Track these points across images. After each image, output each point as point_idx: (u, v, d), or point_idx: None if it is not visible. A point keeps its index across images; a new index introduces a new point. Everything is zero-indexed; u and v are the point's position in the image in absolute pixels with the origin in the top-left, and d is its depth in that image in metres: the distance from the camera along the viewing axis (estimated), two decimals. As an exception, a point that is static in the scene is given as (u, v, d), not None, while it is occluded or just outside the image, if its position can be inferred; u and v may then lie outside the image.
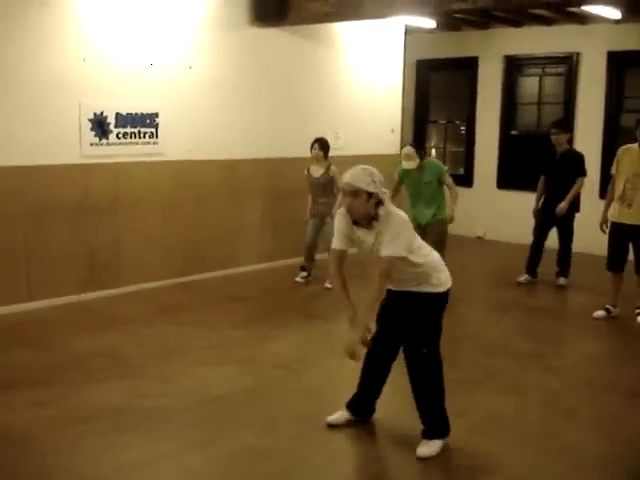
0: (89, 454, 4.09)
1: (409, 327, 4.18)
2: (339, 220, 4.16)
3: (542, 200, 8.28)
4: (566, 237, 8.18)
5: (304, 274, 8.21)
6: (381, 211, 3.98)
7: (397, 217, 3.99)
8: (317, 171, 7.97)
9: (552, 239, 8.30)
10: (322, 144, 7.96)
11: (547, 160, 8.27)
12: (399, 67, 10.65)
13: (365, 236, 4.04)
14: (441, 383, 4.24)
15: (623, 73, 9.97)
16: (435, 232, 7.18)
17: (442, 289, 4.18)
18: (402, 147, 7.55)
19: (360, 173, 3.97)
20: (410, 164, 7.11)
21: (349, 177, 3.97)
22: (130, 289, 7.59)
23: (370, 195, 3.91)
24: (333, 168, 7.89)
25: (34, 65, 6.70)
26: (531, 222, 8.51)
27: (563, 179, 8.03)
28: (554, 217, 8.10)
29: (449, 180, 7.33)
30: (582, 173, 8.03)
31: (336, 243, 4.18)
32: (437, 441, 4.16)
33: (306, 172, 8.04)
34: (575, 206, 8.11)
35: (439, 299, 4.19)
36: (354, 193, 3.91)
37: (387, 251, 3.92)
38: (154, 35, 7.57)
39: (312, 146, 7.97)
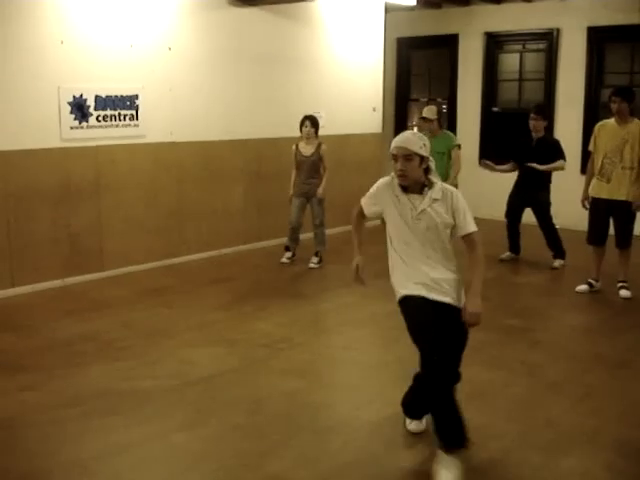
0: (76, 438, 4.09)
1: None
2: (382, 184, 3.98)
3: (513, 184, 8.28)
4: (544, 217, 8.15)
5: (289, 254, 8.17)
6: (433, 178, 3.89)
7: (454, 190, 3.92)
8: (307, 149, 7.87)
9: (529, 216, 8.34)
10: (313, 121, 7.86)
11: (521, 147, 8.19)
12: (379, 45, 10.62)
13: (416, 201, 3.85)
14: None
15: (603, 48, 10.00)
16: None
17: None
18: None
19: (412, 137, 3.88)
20: (429, 113, 7.62)
21: (401, 141, 3.84)
22: (114, 273, 7.56)
23: (422, 159, 3.82)
24: (324, 147, 7.84)
25: (12, 48, 6.62)
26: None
27: (537, 164, 7.97)
28: (526, 201, 8.15)
29: (457, 153, 7.69)
30: (562, 157, 7.94)
31: (366, 204, 4.05)
32: (456, 462, 3.76)
33: (294, 149, 7.94)
34: (547, 189, 8.08)
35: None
36: (407, 157, 3.79)
37: (472, 227, 3.83)
38: (133, 16, 7.49)
39: (302, 123, 7.86)
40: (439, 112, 7.88)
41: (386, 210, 3.96)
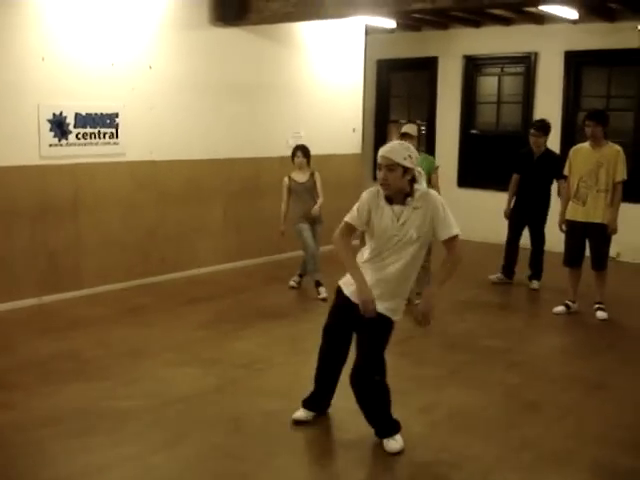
0: (54, 458, 4.05)
1: (368, 337, 4.16)
2: (366, 198, 4.08)
3: (514, 200, 8.20)
4: (538, 239, 8.13)
5: (298, 279, 8.06)
6: (416, 188, 3.96)
7: (434, 194, 4.01)
8: (301, 177, 7.78)
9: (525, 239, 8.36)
10: (305, 151, 7.80)
11: (523, 159, 8.14)
12: (360, 67, 10.70)
13: (398, 213, 3.97)
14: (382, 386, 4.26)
15: (580, 72, 10.14)
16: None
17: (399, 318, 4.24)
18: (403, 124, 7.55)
19: (397, 147, 3.97)
20: (410, 129, 7.24)
21: (386, 150, 3.94)
22: (92, 291, 7.51)
23: (405, 170, 3.90)
24: (317, 174, 7.80)
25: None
26: (491, 221, 8.57)
27: (539, 180, 7.97)
28: (527, 217, 8.11)
29: (435, 178, 7.29)
30: (562, 175, 7.42)
31: (351, 218, 4.13)
32: (398, 435, 4.21)
33: (287, 180, 7.81)
34: (546, 207, 8.05)
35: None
36: (390, 167, 3.89)
37: (451, 231, 3.96)
38: (114, 34, 7.49)
39: (294, 154, 7.79)
40: (419, 131, 7.62)
41: (372, 217, 4.05)
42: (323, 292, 7.44)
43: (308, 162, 7.83)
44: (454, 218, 4.03)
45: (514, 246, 8.27)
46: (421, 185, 4.05)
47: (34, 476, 3.85)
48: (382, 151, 3.97)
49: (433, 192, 4.07)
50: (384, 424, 4.24)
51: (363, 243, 4.21)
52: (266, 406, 4.77)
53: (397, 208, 3.99)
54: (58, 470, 3.91)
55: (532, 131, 8.05)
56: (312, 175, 7.82)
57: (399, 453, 4.13)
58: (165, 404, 4.79)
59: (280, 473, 3.94)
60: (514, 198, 8.20)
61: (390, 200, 4.00)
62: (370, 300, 4.01)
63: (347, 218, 4.17)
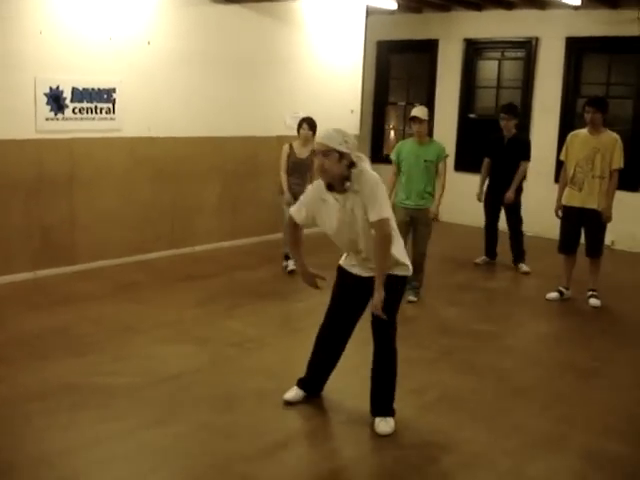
0: (42, 432, 4.04)
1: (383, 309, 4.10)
2: (310, 190, 4.15)
3: (486, 184, 8.38)
4: (515, 221, 8.27)
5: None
6: (353, 171, 3.94)
7: (368, 175, 3.95)
8: (303, 152, 7.61)
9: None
10: (311, 123, 7.62)
11: (493, 143, 8.34)
12: (360, 48, 10.63)
13: (343, 200, 3.97)
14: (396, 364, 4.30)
15: (581, 59, 10.08)
16: (423, 224, 6.81)
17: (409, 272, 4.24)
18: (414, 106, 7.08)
19: (332, 132, 3.95)
20: (420, 112, 6.77)
21: (320, 136, 3.96)
22: (85, 267, 7.49)
23: (341, 155, 3.88)
24: None
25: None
26: (488, 205, 8.58)
27: (509, 163, 8.12)
28: (501, 200, 8.20)
29: (444, 166, 6.84)
30: (526, 157, 8.12)
31: (294, 211, 4.19)
32: (391, 419, 4.21)
33: (288, 149, 7.64)
34: (519, 190, 8.19)
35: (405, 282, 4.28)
36: (325, 152, 3.89)
37: (373, 216, 3.90)
38: (113, 9, 7.42)
39: (300, 125, 7.63)
40: (429, 115, 6.93)
41: (315, 214, 4.09)
42: (291, 265, 7.42)
43: (313, 135, 7.55)
44: (387, 201, 4.02)
45: (492, 229, 8.42)
46: (359, 167, 3.97)
47: (21, 451, 3.84)
48: (317, 137, 3.99)
49: (368, 172, 3.99)
50: (386, 399, 4.24)
51: None
52: (258, 385, 4.77)
53: (340, 196, 3.98)
54: (46, 445, 3.90)
55: (502, 115, 8.19)
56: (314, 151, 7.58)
57: (388, 436, 4.13)
58: (156, 381, 4.79)
59: (269, 452, 3.94)
60: (487, 182, 8.37)
61: (331, 188, 4.00)
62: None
63: (292, 209, 4.24)
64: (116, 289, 6.93)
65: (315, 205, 4.10)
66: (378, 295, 3.97)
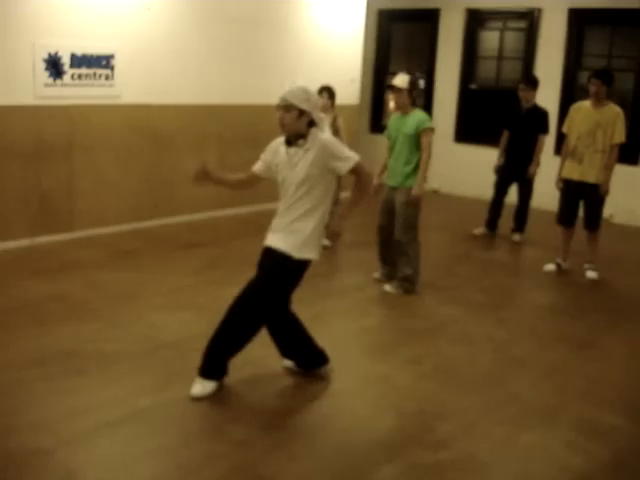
0: (41, 398, 4.07)
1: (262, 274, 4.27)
2: (269, 147, 4.33)
3: (504, 159, 8.31)
4: (526, 194, 8.25)
5: None
6: (311, 131, 4.07)
7: (325, 135, 4.09)
8: None
9: (511, 194, 8.40)
10: (330, 92, 7.46)
11: (512, 115, 8.29)
12: (361, 16, 10.53)
13: (293, 155, 4.11)
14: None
15: (583, 31, 10.00)
16: (402, 206, 6.18)
17: (307, 256, 4.19)
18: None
19: (296, 90, 4.09)
20: (398, 80, 6.14)
21: (285, 92, 4.06)
22: (83, 234, 7.49)
23: (302, 113, 4.02)
24: (340, 119, 7.42)
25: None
26: (487, 177, 8.58)
27: (527, 135, 8.08)
28: (516, 173, 8.16)
29: (426, 140, 6.04)
30: (545, 130, 8.09)
31: (256, 164, 4.45)
32: (208, 383, 4.21)
33: None
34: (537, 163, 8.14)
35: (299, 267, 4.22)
36: (286, 107, 4.03)
37: (345, 166, 4.05)
38: (111, -26, 7.36)
39: (319, 93, 7.30)
40: (412, 83, 6.14)
41: (271, 164, 4.29)
42: None
43: (333, 104, 7.47)
44: (345, 147, 4.17)
45: (499, 202, 8.38)
46: (321, 130, 4.11)
47: (20, 416, 3.87)
48: (282, 94, 4.08)
49: (323, 138, 4.08)
50: (213, 357, 4.26)
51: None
52: (255, 352, 4.78)
53: (292, 150, 4.13)
54: (44, 411, 3.93)
55: (521, 86, 8.15)
56: (335, 120, 7.40)
57: (382, 405, 4.17)
58: (155, 348, 4.82)
59: (265, 419, 3.98)
60: (504, 154, 8.32)
61: (289, 142, 4.15)
62: None
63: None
64: (115, 256, 6.94)
65: (270, 156, 4.29)
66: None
